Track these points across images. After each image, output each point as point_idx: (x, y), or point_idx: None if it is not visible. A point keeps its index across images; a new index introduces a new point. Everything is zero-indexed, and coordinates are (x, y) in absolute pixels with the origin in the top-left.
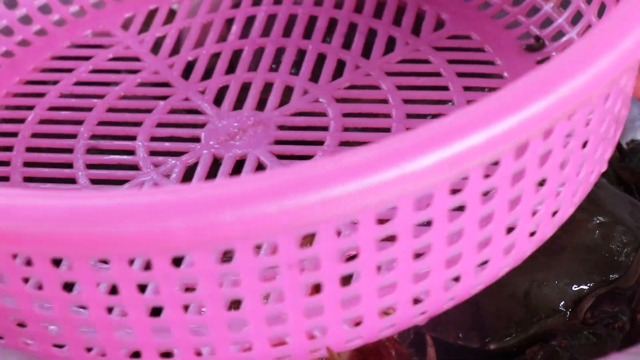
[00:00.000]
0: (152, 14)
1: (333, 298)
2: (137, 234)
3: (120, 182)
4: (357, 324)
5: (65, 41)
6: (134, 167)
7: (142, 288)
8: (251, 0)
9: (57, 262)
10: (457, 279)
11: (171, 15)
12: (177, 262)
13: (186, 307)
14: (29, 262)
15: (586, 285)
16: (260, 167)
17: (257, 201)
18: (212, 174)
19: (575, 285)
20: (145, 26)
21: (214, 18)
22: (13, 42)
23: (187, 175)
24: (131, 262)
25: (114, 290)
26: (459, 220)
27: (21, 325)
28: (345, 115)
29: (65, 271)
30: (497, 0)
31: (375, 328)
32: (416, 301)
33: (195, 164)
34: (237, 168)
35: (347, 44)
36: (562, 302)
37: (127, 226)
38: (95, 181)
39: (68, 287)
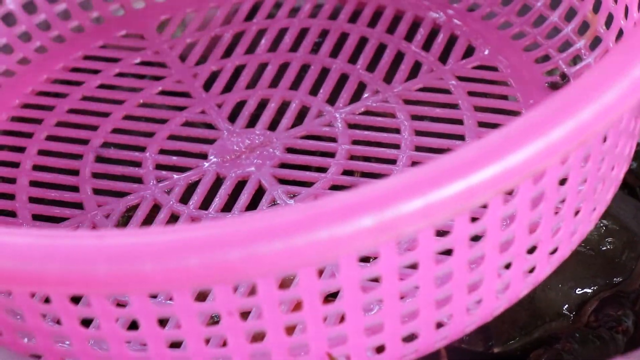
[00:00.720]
0: (189, 18)
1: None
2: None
3: (121, 194)
4: None
5: (99, 40)
6: (138, 179)
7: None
8: (287, 12)
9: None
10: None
11: (207, 20)
12: None
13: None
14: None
15: (590, 288)
16: (260, 189)
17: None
18: (213, 192)
19: (579, 289)
20: (180, 30)
21: (247, 28)
22: (48, 37)
23: (188, 192)
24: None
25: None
26: (447, 264)
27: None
28: (354, 142)
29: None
30: (532, 31)
31: None
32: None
33: (198, 181)
34: (239, 187)
35: (373, 64)
36: (566, 306)
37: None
38: (97, 191)
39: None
